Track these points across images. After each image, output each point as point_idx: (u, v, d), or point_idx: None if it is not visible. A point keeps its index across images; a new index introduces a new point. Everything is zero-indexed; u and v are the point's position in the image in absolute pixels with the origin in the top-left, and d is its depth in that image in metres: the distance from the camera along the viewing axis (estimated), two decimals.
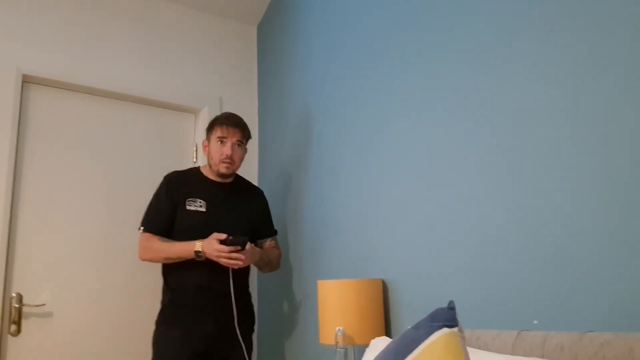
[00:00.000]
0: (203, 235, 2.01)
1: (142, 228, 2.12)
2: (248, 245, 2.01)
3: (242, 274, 2.13)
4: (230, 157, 2.15)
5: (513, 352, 1.16)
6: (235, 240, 1.97)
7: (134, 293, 2.49)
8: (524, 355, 1.13)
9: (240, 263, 2.01)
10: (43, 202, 2.37)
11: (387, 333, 1.77)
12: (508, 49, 1.42)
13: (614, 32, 1.15)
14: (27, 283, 2.27)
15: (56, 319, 2.30)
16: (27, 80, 2.42)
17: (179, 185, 2.17)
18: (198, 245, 1.99)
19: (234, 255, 1.97)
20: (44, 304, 2.27)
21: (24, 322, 2.23)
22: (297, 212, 2.51)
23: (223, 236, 1.97)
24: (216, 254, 1.97)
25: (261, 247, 2.26)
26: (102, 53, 2.62)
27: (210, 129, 2.21)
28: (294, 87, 2.68)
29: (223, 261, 1.98)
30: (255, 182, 2.81)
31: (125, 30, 2.71)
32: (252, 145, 2.72)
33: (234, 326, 2.06)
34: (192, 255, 2.00)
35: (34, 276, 2.29)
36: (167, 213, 2.12)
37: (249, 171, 2.80)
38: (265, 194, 2.44)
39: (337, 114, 2.25)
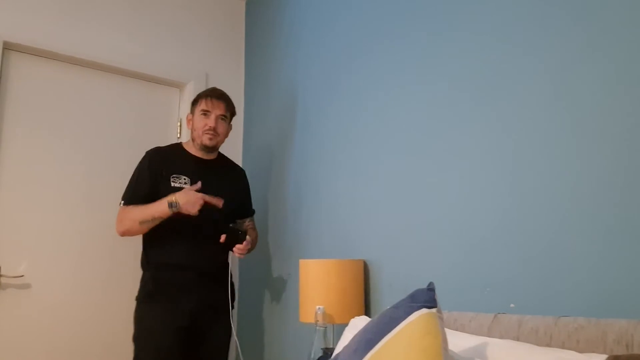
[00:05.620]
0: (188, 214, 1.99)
1: (122, 202, 2.08)
2: (248, 238, 2.04)
3: (223, 252, 2.13)
4: (214, 129, 2.13)
5: (489, 334, 1.19)
6: (237, 235, 2.01)
7: (113, 267, 2.47)
8: (500, 337, 1.15)
9: (242, 255, 2.05)
10: (23, 173, 2.33)
11: (367, 313, 1.79)
12: (506, 38, 1.42)
13: (615, 24, 1.15)
14: (5, 254, 2.23)
15: (34, 290, 2.28)
16: (7, 47, 2.36)
17: (162, 161, 2.12)
18: (171, 196, 1.95)
19: (236, 247, 2.01)
20: (22, 275, 2.24)
21: (1, 293, 2.20)
22: (281, 191, 2.51)
23: (198, 185, 2.00)
24: (194, 199, 1.94)
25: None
26: (87, 22, 2.56)
27: (194, 102, 2.20)
28: (281, 65, 2.65)
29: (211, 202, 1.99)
30: (239, 160, 2.79)
31: (112, 0, 2.65)
32: (237, 122, 2.69)
33: (217, 305, 2.07)
34: (166, 210, 1.95)
35: (13, 247, 2.26)
36: (148, 186, 2.07)
37: (234, 149, 2.78)
38: (250, 172, 2.42)
39: (325, 93, 2.24)
